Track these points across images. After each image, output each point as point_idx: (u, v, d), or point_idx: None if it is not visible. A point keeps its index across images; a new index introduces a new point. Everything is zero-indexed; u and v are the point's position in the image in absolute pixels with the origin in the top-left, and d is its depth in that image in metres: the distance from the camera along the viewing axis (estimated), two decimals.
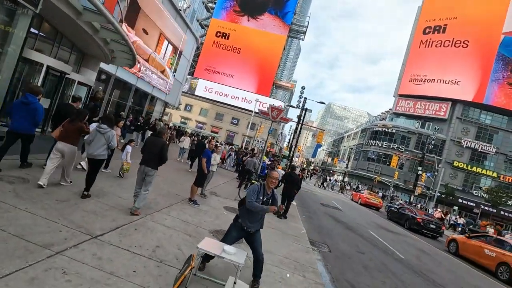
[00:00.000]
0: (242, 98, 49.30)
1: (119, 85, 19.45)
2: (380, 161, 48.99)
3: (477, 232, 19.44)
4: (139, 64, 19.22)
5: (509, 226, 37.49)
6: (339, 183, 47.85)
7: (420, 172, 30.40)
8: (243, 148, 26.45)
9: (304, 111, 23.09)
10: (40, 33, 8.75)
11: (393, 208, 19.62)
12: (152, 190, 5.42)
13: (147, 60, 20.39)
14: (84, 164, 6.60)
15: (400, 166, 41.95)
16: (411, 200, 31.60)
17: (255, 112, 38.69)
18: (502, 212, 38.71)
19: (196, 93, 49.69)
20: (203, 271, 3.66)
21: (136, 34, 18.14)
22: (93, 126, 5.59)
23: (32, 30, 8.59)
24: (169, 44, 23.28)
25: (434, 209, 28.04)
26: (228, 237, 3.78)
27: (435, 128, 38.41)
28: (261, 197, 3.76)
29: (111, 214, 4.60)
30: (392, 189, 40.42)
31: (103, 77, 17.95)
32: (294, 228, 7.88)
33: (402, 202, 30.81)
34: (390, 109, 55.63)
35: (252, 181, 10.76)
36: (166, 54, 23.41)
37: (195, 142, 15.25)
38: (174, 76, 25.58)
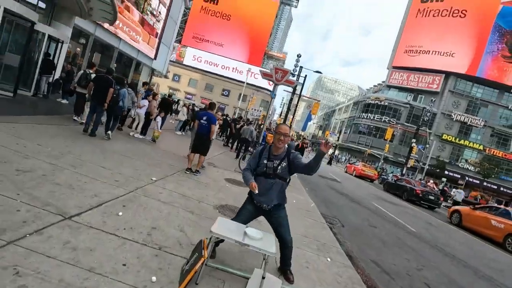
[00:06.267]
0: (233, 68, 47.07)
1: (99, 48, 17.57)
2: (371, 134, 48.84)
3: (470, 203, 19.64)
4: (121, 23, 17.28)
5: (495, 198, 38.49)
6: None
7: (413, 145, 30.26)
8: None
9: (303, 79, 21.87)
10: None
11: (389, 180, 19.40)
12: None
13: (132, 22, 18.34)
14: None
15: (390, 139, 41.90)
16: (404, 172, 31.70)
17: (247, 83, 37.12)
18: (485, 184, 39.82)
19: (184, 62, 47.05)
20: (214, 259, 2.83)
21: None
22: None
23: None
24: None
25: (426, 181, 28.21)
26: (242, 212, 2.91)
27: (431, 100, 37.92)
28: (265, 161, 2.79)
29: (92, 188, 3.62)
30: (382, 161, 40.63)
31: (82, 41, 16.05)
32: (303, 202, 7.16)
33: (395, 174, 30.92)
34: (383, 82, 54.77)
35: (251, 151, 9.99)
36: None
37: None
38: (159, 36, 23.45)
